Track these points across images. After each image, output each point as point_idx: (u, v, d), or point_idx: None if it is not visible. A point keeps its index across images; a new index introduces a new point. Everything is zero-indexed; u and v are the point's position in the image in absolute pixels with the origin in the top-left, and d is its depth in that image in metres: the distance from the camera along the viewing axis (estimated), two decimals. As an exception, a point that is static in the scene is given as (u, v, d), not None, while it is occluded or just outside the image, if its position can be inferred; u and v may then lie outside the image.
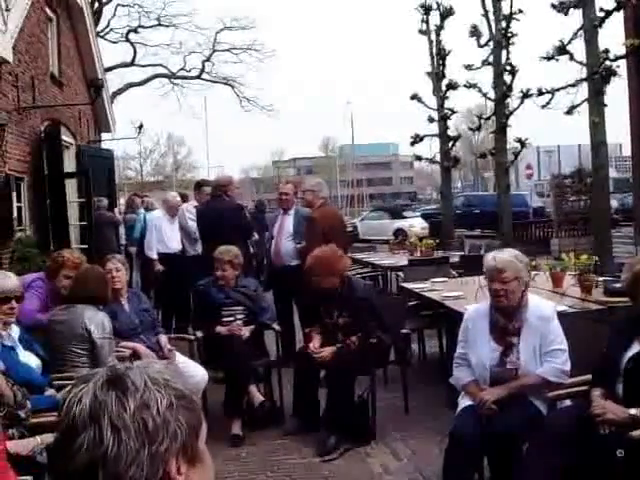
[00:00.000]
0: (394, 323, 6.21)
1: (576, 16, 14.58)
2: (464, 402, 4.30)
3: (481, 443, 4.01)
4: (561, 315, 4.56)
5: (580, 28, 14.33)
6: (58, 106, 12.57)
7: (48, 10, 12.60)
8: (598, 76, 13.94)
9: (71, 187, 12.10)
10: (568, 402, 4.16)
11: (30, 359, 4.48)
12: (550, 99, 15.97)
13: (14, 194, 10.06)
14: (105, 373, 1.24)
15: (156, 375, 1.24)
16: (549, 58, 15.14)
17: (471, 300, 5.82)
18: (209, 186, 9.25)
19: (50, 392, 4.40)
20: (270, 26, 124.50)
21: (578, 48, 14.59)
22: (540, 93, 16.30)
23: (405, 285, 8.05)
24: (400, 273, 9.81)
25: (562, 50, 14.78)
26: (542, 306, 4.35)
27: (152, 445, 1.17)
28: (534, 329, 4.20)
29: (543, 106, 16.15)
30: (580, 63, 14.47)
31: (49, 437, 3.66)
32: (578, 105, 14.75)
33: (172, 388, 1.23)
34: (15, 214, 10.03)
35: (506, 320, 4.26)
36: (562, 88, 15.38)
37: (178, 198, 10.44)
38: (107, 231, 12.09)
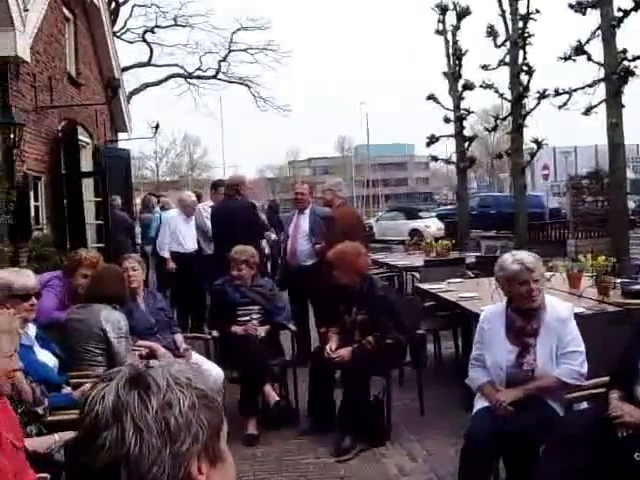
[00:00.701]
0: (410, 324, 6.19)
1: (594, 16, 14.53)
2: (480, 403, 4.29)
3: (497, 444, 4.00)
4: (578, 317, 4.54)
5: (598, 28, 14.26)
6: (75, 106, 12.63)
7: (66, 10, 12.67)
8: (616, 76, 13.86)
9: (88, 186, 12.15)
10: (585, 404, 4.14)
11: (47, 357, 4.51)
12: (567, 100, 15.91)
13: (32, 193, 10.13)
14: (127, 372, 1.24)
15: (178, 375, 1.24)
16: (566, 58, 15.08)
17: (487, 301, 5.79)
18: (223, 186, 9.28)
19: (67, 390, 4.42)
20: (286, 26, 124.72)
21: (596, 48, 14.54)
22: (557, 93, 16.24)
23: (421, 286, 8.03)
24: (416, 274, 9.80)
25: (580, 50, 14.72)
26: (559, 307, 4.33)
27: (174, 445, 1.17)
28: (551, 330, 4.18)
29: (560, 106, 16.09)
30: (598, 63, 14.41)
31: (67, 435, 3.68)
32: (596, 106, 14.69)
33: (194, 388, 1.23)
34: (33, 213, 10.10)
35: (524, 321, 4.24)
36: (579, 88, 15.32)
37: (193, 197, 10.45)
38: (120, 230, 12.13)
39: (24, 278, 4.43)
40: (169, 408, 1.19)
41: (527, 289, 4.18)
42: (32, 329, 4.55)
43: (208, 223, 9.37)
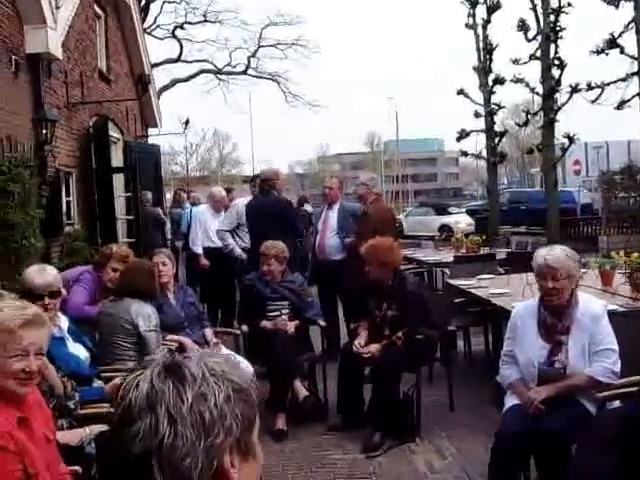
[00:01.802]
0: (440, 320, 6.16)
1: (627, 8, 14.34)
2: (511, 401, 4.25)
3: (528, 443, 3.95)
4: (611, 314, 4.47)
5: (631, 21, 14.07)
6: (106, 102, 12.73)
7: (96, 7, 12.77)
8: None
9: (118, 182, 12.25)
10: (617, 403, 4.08)
11: (79, 351, 4.54)
12: (600, 94, 15.74)
13: (63, 188, 10.23)
14: (163, 361, 1.23)
15: (214, 366, 1.22)
16: (599, 52, 14.92)
17: (518, 297, 5.74)
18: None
19: (98, 384, 4.46)
20: (315, 23, 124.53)
21: (629, 41, 14.35)
22: (589, 88, 16.06)
23: (451, 282, 7.98)
24: (446, 270, 9.74)
25: (613, 43, 14.54)
26: (592, 305, 4.27)
27: (208, 438, 1.15)
28: (584, 328, 4.13)
29: (593, 101, 15.92)
30: (631, 57, 14.22)
31: (97, 428, 3.71)
32: (629, 100, 14.51)
33: (230, 380, 1.21)
34: (64, 208, 10.20)
35: (555, 318, 4.20)
36: (612, 82, 15.14)
37: (224, 193, 10.47)
38: (151, 226, 12.21)
39: (30, 278, 4.40)
40: (204, 400, 1.17)
41: (546, 286, 4.15)
42: (65, 322, 4.58)
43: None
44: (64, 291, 4.66)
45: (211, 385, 1.19)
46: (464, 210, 32.20)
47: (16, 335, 2.84)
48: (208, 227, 9.99)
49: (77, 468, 3.27)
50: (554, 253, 4.22)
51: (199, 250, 9.99)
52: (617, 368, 4.07)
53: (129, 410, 1.17)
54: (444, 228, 26.66)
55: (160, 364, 1.22)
